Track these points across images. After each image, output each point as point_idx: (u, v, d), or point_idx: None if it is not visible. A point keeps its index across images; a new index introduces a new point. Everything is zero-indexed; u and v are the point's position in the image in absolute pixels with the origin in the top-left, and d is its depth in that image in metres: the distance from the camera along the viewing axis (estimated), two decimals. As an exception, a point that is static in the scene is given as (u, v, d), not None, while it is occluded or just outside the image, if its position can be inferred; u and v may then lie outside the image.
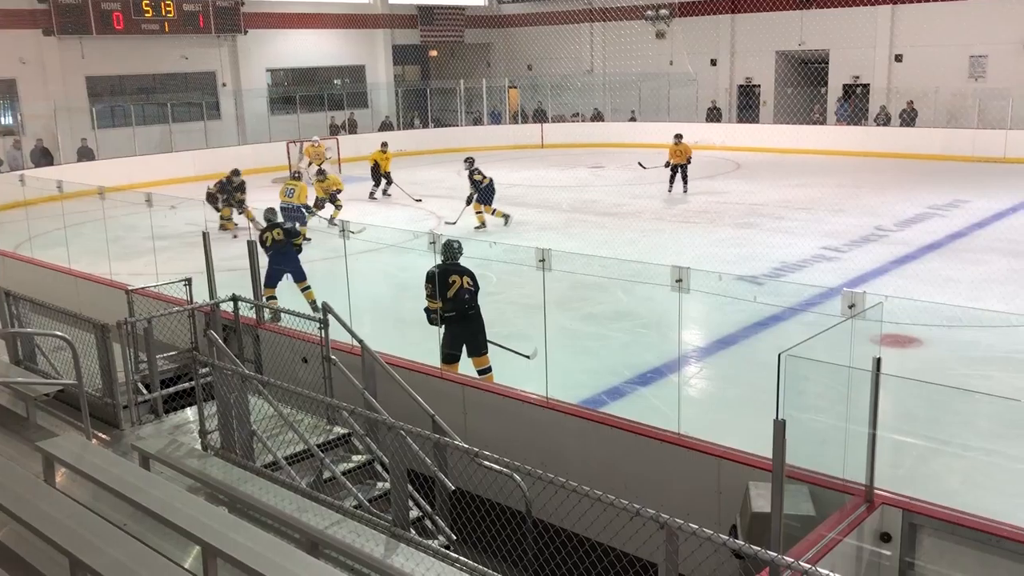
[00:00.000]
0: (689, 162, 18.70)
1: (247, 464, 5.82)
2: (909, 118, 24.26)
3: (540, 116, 30.63)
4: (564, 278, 8.95)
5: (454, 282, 7.64)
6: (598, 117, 30.12)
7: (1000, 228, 14.36)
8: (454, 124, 30.24)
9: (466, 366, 7.80)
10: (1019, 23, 22.82)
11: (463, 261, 7.83)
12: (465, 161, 16.19)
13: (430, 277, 7.59)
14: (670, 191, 18.65)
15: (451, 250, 7.75)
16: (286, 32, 28.55)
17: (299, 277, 10.27)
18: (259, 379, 6.14)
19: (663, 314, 9.12)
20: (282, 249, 10.09)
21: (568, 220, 16.47)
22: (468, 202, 15.78)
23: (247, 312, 8.19)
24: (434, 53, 33.87)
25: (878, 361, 4.72)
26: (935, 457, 6.46)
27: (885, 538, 4.86)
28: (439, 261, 7.61)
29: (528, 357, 8.03)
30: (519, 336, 9.46)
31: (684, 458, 6.01)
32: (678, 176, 18.73)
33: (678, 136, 18.94)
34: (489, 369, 7.89)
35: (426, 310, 7.72)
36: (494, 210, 15.85)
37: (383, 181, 19.62)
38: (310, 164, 21.74)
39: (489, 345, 7.91)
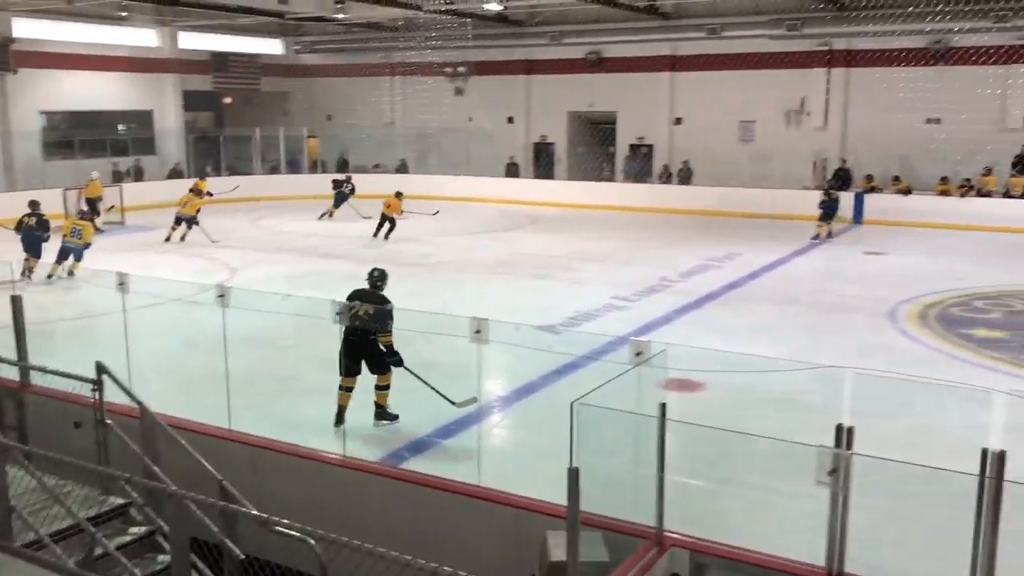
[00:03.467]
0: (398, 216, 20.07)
1: (3, 545, 5.22)
2: (685, 176, 26.09)
3: (343, 166, 30.34)
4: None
5: (354, 307, 8.03)
6: (403, 169, 30.25)
7: (770, 278, 15.62)
8: (249, 172, 29.31)
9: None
10: (781, 94, 25.24)
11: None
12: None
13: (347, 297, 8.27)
14: (375, 236, 19.88)
15: (373, 277, 8.62)
16: (64, 73, 26.69)
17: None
18: (20, 448, 5.56)
19: (464, 365, 9.16)
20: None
21: (365, 272, 16.30)
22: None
23: (9, 374, 7.44)
24: (228, 100, 32.82)
25: (663, 406, 4.94)
26: (719, 497, 6.82)
27: (675, 579, 5.04)
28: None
29: (455, 404, 8.15)
30: (319, 392, 9.19)
31: (484, 510, 6.00)
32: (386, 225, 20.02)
33: (399, 193, 20.55)
34: (386, 387, 8.29)
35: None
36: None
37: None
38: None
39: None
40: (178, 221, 19.31)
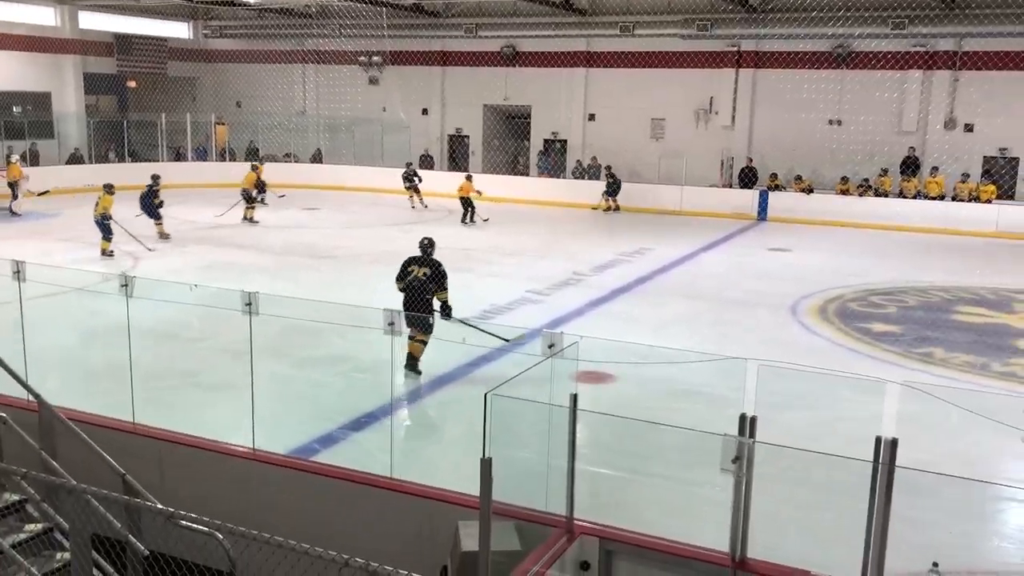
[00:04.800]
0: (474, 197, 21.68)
1: None
2: (594, 172, 26.44)
3: (252, 155, 29.65)
4: (274, 322, 8.64)
5: (411, 271, 9.44)
6: (318, 158, 29.76)
7: (678, 273, 15.99)
8: (154, 159, 28.38)
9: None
10: (691, 93, 25.82)
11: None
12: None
13: (403, 264, 9.59)
14: (463, 222, 21.24)
15: (423, 246, 9.67)
16: (-45, 50, 25.42)
17: None
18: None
19: (378, 358, 9.09)
20: None
21: (280, 263, 16.04)
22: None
23: None
24: (133, 84, 31.70)
25: (575, 397, 5.02)
26: (629, 486, 6.96)
27: (584, 567, 5.13)
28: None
29: (506, 340, 9.15)
30: (223, 386, 9.00)
31: (396, 502, 6.00)
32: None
33: (469, 176, 22.53)
34: (424, 343, 9.24)
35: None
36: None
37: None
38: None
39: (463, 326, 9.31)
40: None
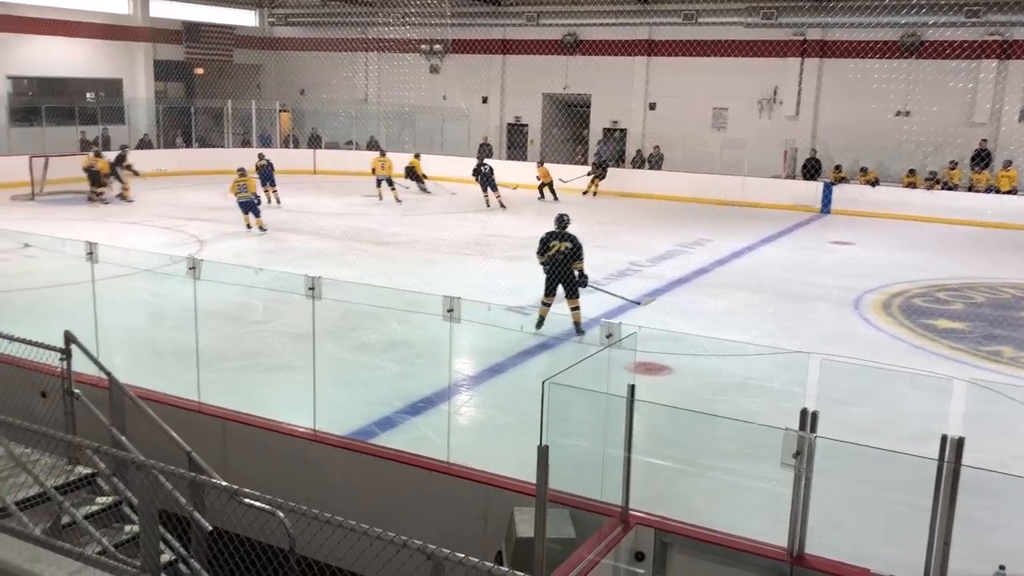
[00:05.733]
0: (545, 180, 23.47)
1: (-31, 512, 5.19)
2: (656, 162, 26.21)
3: (314, 142, 30.09)
4: (336, 307, 8.79)
5: (552, 246, 10.49)
6: (375, 146, 30.05)
7: (738, 265, 15.79)
8: (220, 145, 28.98)
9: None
10: (755, 83, 25.41)
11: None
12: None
13: (541, 240, 10.59)
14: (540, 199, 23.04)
15: (562, 222, 10.65)
16: (32, 38, 26.19)
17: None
18: (-14, 416, 5.50)
19: (435, 343, 9.18)
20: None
21: (342, 248, 16.26)
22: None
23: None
24: (200, 71, 32.36)
25: (632, 387, 5.00)
26: (684, 478, 6.93)
27: (639, 557, 5.13)
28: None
29: (639, 304, 10.83)
30: (285, 367, 9.18)
31: (452, 487, 6.06)
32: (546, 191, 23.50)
33: (542, 161, 24.28)
34: (577, 308, 10.58)
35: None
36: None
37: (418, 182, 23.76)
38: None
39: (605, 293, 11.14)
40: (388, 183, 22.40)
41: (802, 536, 4.75)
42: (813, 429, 4.51)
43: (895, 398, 8.65)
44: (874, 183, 22.91)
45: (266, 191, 20.82)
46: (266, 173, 21.34)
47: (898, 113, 23.55)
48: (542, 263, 10.61)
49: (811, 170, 24.30)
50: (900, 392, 8.86)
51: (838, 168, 23.67)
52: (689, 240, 17.84)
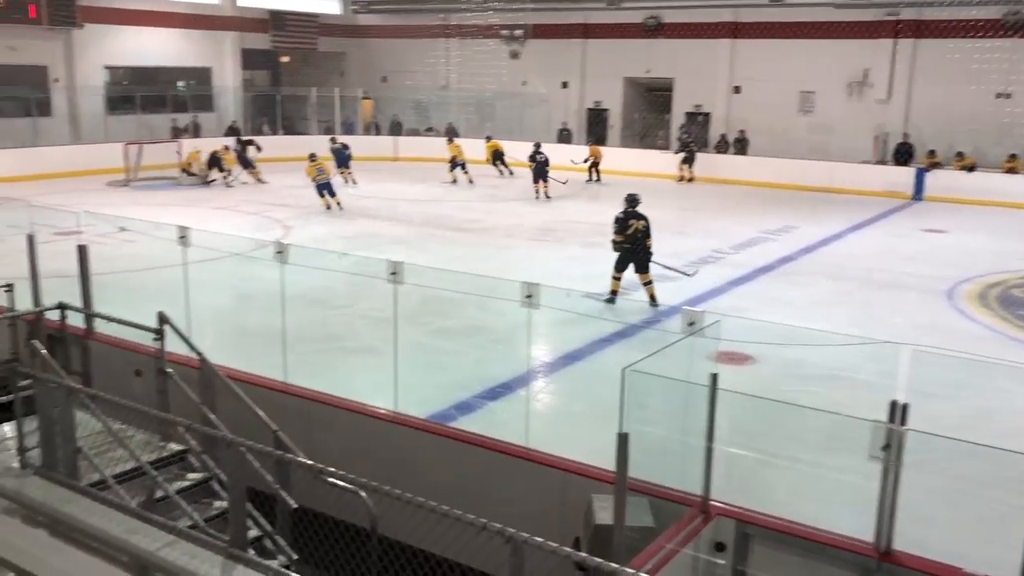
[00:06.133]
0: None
1: (71, 483, 5.44)
2: (741, 146, 25.68)
3: (395, 129, 30.45)
4: (415, 292, 8.89)
5: (631, 225, 11.07)
6: (453, 132, 30.23)
7: (825, 253, 15.38)
8: (305, 132, 29.58)
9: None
10: (844, 65, 24.64)
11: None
12: None
13: (618, 221, 11.16)
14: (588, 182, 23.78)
15: (635, 201, 11.29)
16: (127, 29, 27.14)
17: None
18: (87, 392, 5.76)
19: (513, 329, 9.21)
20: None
21: (421, 234, 16.43)
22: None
23: (76, 321, 7.68)
24: (286, 59, 33.05)
25: (715, 376, 4.93)
26: (766, 469, 6.80)
27: (720, 547, 5.07)
28: (624, 209, 11.25)
29: (688, 275, 11.80)
30: (367, 351, 9.34)
31: (530, 472, 6.08)
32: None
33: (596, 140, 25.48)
34: (651, 281, 11.23)
35: (613, 242, 11.22)
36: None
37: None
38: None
39: (652, 265, 11.25)
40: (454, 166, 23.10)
41: (890, 531, 4.62)
42: (903, 422, 4.37)
43: (991, 392, 8.32)
44: (971, 169, 22.00)
45: (341, 173, 21.56)
46: (341, 156, 22.07)
47: (998, 95, 22.54)
48: (621, 242, 11.11)
49: (903, 155, 23.47)
50: (997, 386, 8.52)
51: (932, 153, 22.80)
52: (774, 227, 17.46)
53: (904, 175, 22.42)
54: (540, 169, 20.99)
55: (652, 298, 11.12)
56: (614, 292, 11.22)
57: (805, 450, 6.80)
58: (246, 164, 22.92)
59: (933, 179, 21.99)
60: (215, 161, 22.45)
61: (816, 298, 12.20)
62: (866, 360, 9.04)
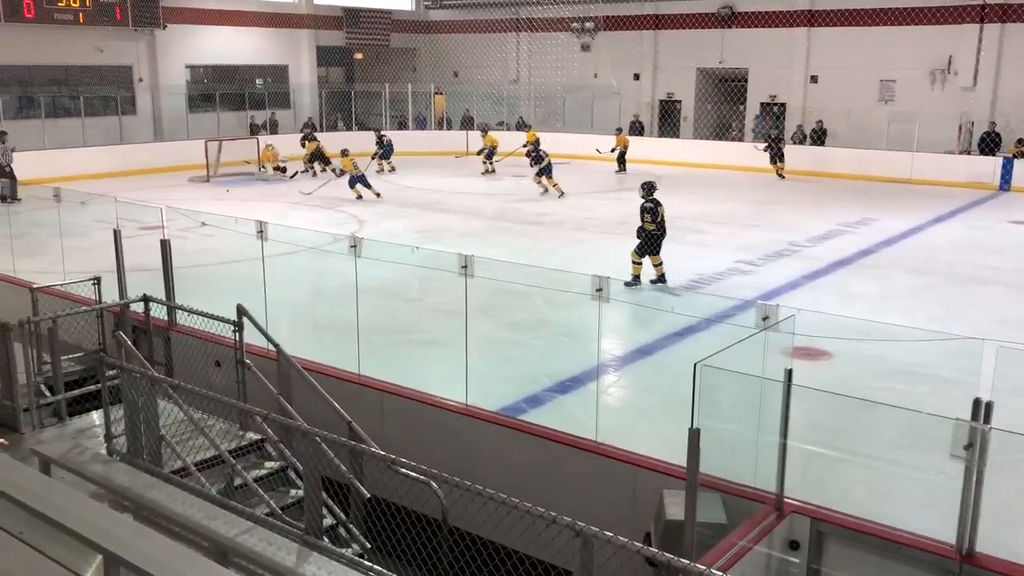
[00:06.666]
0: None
1: (154, 470, 5.64)
2: (819, 137, 25.07)
3: (467, 123, 30.64)
4: (486, 285, 8.94)
5: (660, 211, 11.70)
6: (524, 126, 30.27)
7: (905, 246, 14.94)
8: (378, 127, 29.96)
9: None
10: (926, 51, 23.86)
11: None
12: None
13: (649, 210, 11.63)
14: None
15: (653, 188, 11.87)
16: (207, 28, 27.89)
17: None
18: (169, 382, 5.96)
19: (583, 323, 9.19)
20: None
21: (491, 228, 16.50)
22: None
23: (159, 313, 7.95)
24: (359, 56, 33.54)
25: (789, 372, 4.84)
26: (841, 467, 6.66)
27: (794, 546, 4.98)
28: (646, 197, 11.79)
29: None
30: (438, 343, 9.43)
31: (601, 466, 6.06)
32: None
33: (620, 128, 24.82)
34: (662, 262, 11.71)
35: (644, 229, 11.60)
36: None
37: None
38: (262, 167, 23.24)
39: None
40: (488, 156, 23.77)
41: (972, 533, 4.48)
42: (987, 420, 4.23)
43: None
44: (1061, 157, 21.10)
45: (382, 165, 23.44)
46: (390, 149, 23.88)
47: (1091, 80, 21.56)
48: (653, 229, 11.59)
49: (989, 145, 22.61)
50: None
51: (1020, 142, 21.91)
52: (852, 219, 17.03)
53: (990, 165, 21.61)
54: (541, 163, 20.05)
55: (662, 276, 11.66)
56: (637, 276, 11.61)
57: (883, 448, 6.63)
58: (323, 159, 23.37)
59: (1021, 168, 21.14)
60: (317, 156, 23.30)
61: (895, 292, 11.86)
62: (948, 357, 8.75)
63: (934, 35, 23.67)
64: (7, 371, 6.50)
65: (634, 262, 11.66)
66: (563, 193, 19.76)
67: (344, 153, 19.88)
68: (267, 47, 29.83)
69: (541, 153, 20.28)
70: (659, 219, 11.64)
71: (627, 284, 11.42)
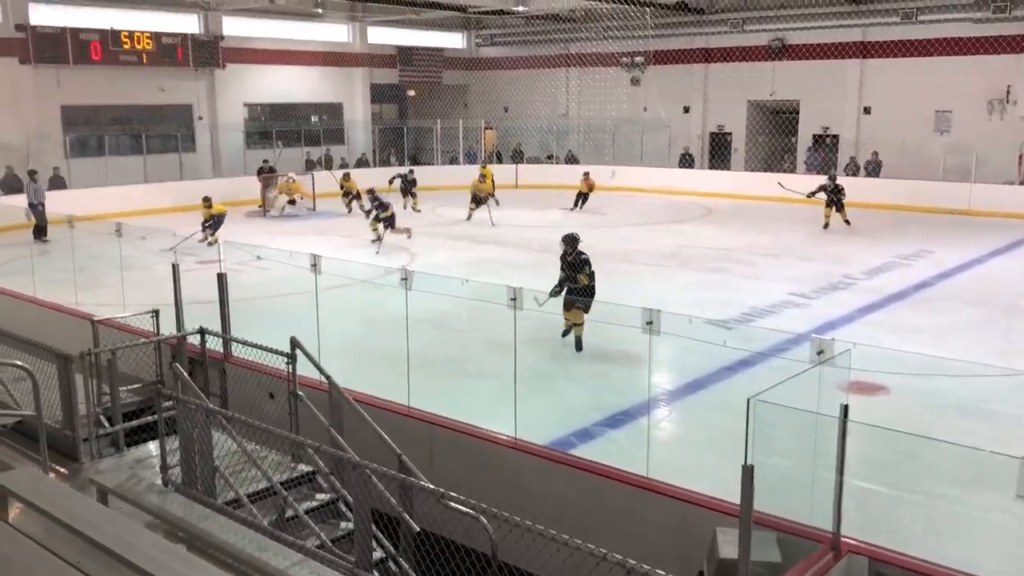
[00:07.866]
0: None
1: (208, 501, 5.71)
2: (874, 169, 24.71)
3: (517, 157, 30.88)
4: (534, 317, 8.95)
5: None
6: (572, 159, 30.38)
7: (964, 278, 14.60)
8: (430, 163, 30.36)
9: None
10: (983, 81, 23.44)
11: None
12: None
13: (587, 261, 10.53)
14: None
15: (577, 241, 10.68)
16: (264, 68, 28.61)
17: None
18: (223, 414, 6.05)
19: (633, 356, 9.12)
20: None
21: (539, 260, 16.52)
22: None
23: (214, 345, 8.09)
24: (412, 93, 34.08)
25: (845, 408, 4.75)
26: (899, 505, 6.48)
27: (851, 586, 4.85)
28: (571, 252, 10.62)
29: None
30: (486, 375, 9.44)
31: (652, 502, 5.99)
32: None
33: (586, 173, 23.39)
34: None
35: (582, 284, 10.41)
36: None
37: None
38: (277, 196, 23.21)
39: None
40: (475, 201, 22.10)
41: (1040, 577, 4.32)
42: (1054, 460, 4.09)
43: None
44: None
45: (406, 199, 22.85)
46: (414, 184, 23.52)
47: None
48: (587, 283, 10.46)
49: (1050, 175, 22.09)
50: None
51: (1083, 172, 21.38)
52: (909, 252, 16.72)
53: (1051, 197, 21.09)
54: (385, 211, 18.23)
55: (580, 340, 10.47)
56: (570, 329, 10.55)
57: (944, 486, 6.45)
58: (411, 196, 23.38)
59: (1085, 199, 20.59)
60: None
61: (954, 326, 11.59)
62: (1011, 392, 8.52)
63: (991, 64, 23.27)
64: (68, 401, 6.66)
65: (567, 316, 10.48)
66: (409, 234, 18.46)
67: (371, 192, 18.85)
68: (322, 85, 30.48)
69: (385, 201, 18.31)
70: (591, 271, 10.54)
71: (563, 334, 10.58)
